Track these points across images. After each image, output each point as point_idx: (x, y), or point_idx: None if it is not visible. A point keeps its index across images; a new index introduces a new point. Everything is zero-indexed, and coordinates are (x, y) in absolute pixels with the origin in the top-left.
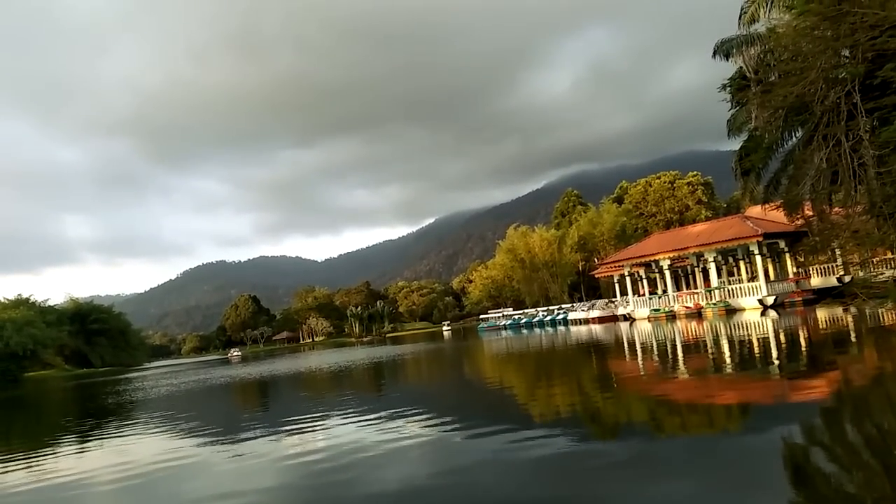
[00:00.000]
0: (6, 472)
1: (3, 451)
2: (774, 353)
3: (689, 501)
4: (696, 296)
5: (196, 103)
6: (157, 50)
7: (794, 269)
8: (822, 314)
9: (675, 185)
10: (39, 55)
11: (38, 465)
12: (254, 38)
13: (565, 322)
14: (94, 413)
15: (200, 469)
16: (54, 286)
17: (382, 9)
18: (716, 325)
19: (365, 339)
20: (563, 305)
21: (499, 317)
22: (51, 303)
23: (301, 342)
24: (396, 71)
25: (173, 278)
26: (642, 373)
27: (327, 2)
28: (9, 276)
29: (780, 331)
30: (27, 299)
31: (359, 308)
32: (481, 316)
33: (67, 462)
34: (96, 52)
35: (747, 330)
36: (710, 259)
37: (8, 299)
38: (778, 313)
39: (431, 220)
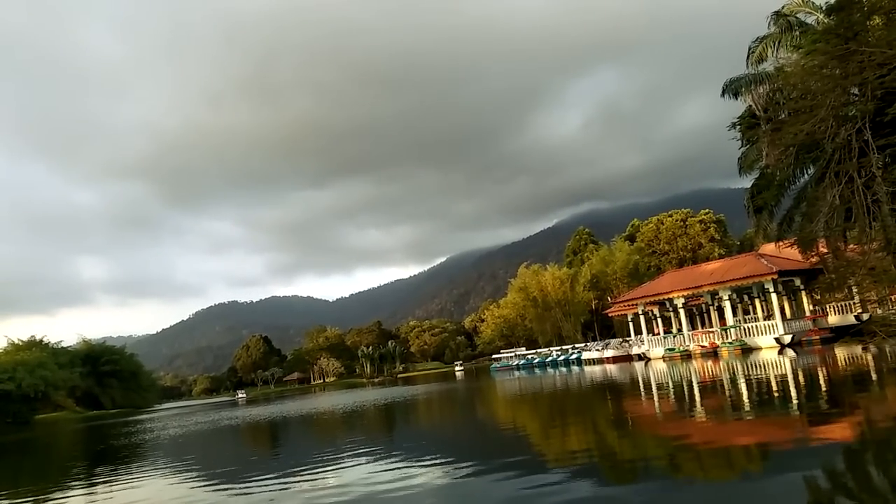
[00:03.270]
0: None
1: (12, 496)
2: (793, 393)
3: None
4: (711, 335)
5: (211, 146)
6: (174, 94)
7: (811, 307)
8: (840, 353)
9: (687, 222)
10: (58, 99)
11: None
12: (268, 83)
13: (579, 362)
14: (104, 456)
15: None
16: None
17: (394, 53)
18: (732, 365)
19: (376, 380)
20: (577, 345)
21: (511, 356)
22: (64, 344)
23: (312, 383)
24: (408, 113)
25: (185, 319)
26: (658, 414)
27: (340, 47)
28: (24, 318)
29: (799, 370)
30: (40, 341)
31: (370, 348)
32: (494, 356)
33: None
34: (114, 96)
35: (765, 369)
36: (725, 297)
37: (22, 341)
38: (795, 352)
39: (443, 260)
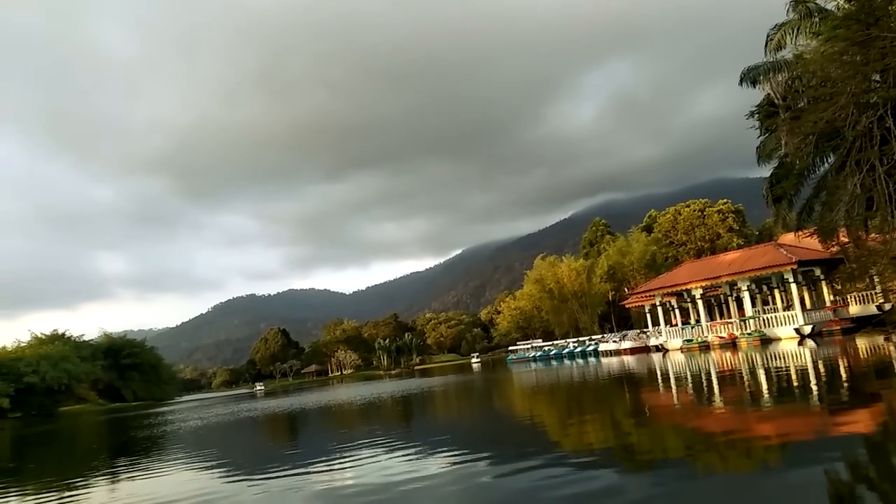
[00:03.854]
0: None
1: (37, 485)
2: (814, 384)
3: None
4: (730, 325)
5: (226, 142)
6: (188, 91)
7: (832, 297)
8: (862, 343)
9: (705, 213)
10: (75, 97)
11: (70, 500)
12: (280, 79)
13: (596, 353)
14: (126, 447)
15: (226, 501)
16: (89, 321)
17: (406, 46)
18: (751, 356)
19: (393, 372)
20: (594, 336)
21: (528, 348)
22: (85, 338)
23: (330, 375)
24: (422, 105)
25: (204, 312)
26: (677, 405)
27: (352, 40)
28: (46, 312)
29: (819, 361)
30: (63, 335)
31: (387, 340)
32: (510, 347)
33: (100, 496)
34: (130, 93)
35: (785, 360)
36: (744, 288)
37: (45, 335)
38: (816, 343)
39: (458, 252)
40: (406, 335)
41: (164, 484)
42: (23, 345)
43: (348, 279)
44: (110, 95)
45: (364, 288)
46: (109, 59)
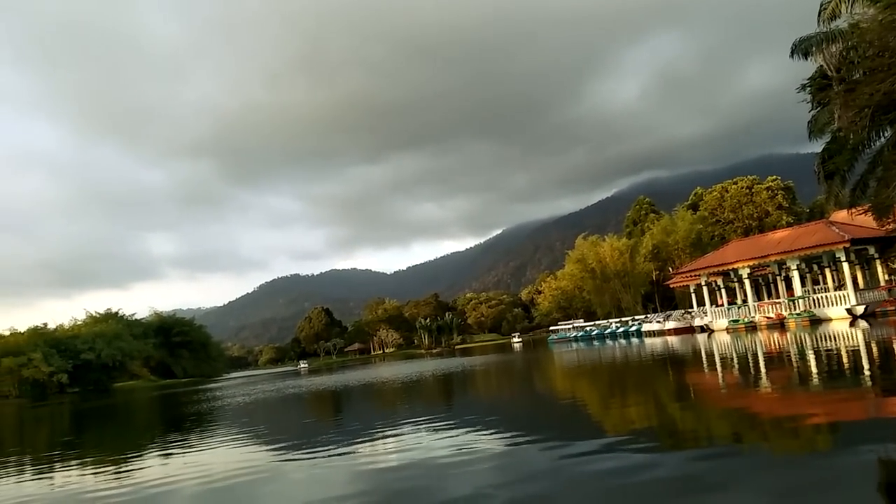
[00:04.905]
0: (98, 476)
1: (96, 458)
2: (866, 366)
3: None
4: (778, 305)
5: (270, 124)
6: (233, 75)
7: (886, 277)
8: None
9: (753, 190)
10: (124, 82)
11: (126, 471)
12: (323, 61)
13: (639, 334)
14: (178, 421)
15: (275, 477)
16: (141, 300)
17: (447, 25)
18: (800, 337)
19: (434, 351)
20: (637, 317)
21: (569, 328)
22: (137, 316)
23: (372, 353)
24: (462, 85)
25: (250, 292)
26: (722, 386)
27: (392, 21)
28: (100, 292)
29: (872, 342)
30: (116, 313)
31: (428, 320)
32: (551, 328)
33: (153, 468)
34: (177, 78)
35: (835, 341)
36: (793, 267)
37: (99, 313)
38: (868, 323)
39: (499, 232)
40: (447, 315)
41: (214, 459)
42: (79, 323)
43: (389, 259)
44: (158, 80)
45: (405, 268)
46: (157, 45)
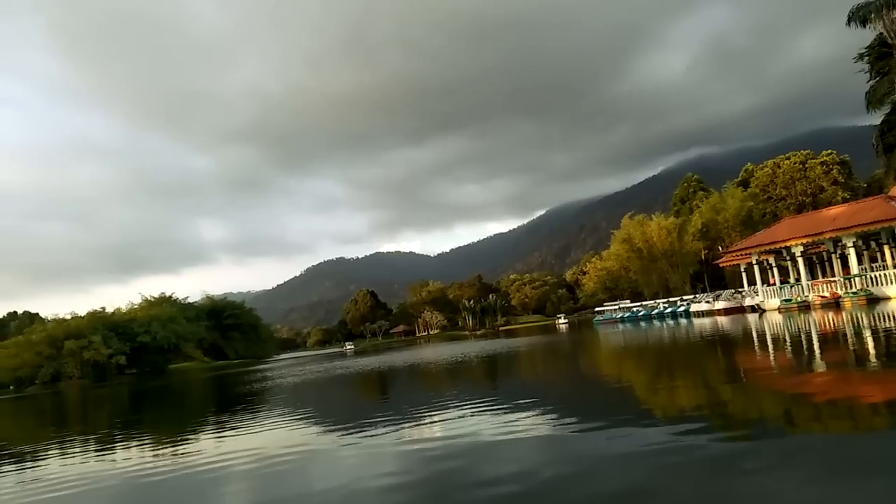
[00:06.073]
0: (156, 455)
1: (153, 437)
2: None
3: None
4: (833, 284)
5: (313, 109)
6: (278, 60)
7: None
8: None
9: (806, 165)
10: (171, 71)
11: (182, 450)
12: (365, 44)
13: (687, 314)
14: (230, 402)
15: (324, 457)
16: (193, 284)
17: (488, 2)
18: (857, 316)
19: (478, 333)
20: (685, 297)
21: (615, 309)
22: (190, 300)
23: (417, 335)
24: (502, 64)
25: (297, 275)
26: (774, 367)
27: (433, 1)
28: (154, 277)
29: None
30: (169, 297)
31: (471, 301)
32: (597, 308)
33: (207, 447)
34: (223, 64)
35: (894, 321)
36: (850, 244)
37: (153, 297)
38: None
39: (542, 212)
40: (490, 296)
41: (265, 439)
42: (135, 307)
43: (432, 242)
44: (204, 66)
45: (448, 250)
46: (204, 32)
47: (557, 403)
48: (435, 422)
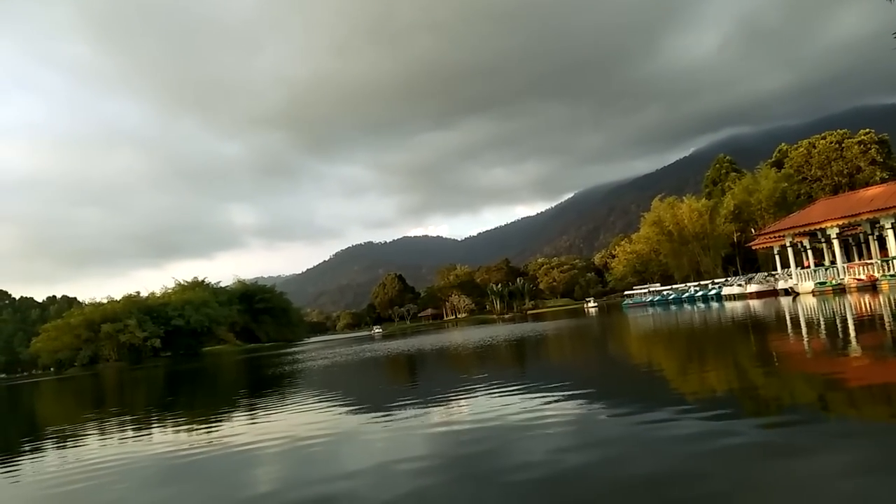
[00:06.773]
0: (192, 436)
1: (188, 418)
2: None
3: (876, 490)
4: (869, 267)
5: (341, 94)
6: (304, 46)
7: None
8: None
9: (843, 145)
10: (201, 58)
11: (216, 431)
12: (390, 28)
13: (719, 298)
14: (262, 384)
15: (353, 438)
16: (225, 269)
17: None
18: (894, 299)
19: (506, 316)
20: (717, 280)
21: (645, 293)
22: (222, 284)
23: (444, 319)
24: (530, 44)
25: (327, 259)
26: (808, 351)
27: None
28: (187, 261)
29: None
30: (202, 281)
31: (499, 285)
32: (626, 292)
33: (240, 428)
34: (251, 51)
35: None
36: (888, 226)
37: (186, 282)
38: None
39: (570, 195)
40: (518, 280)
41: (297, 420)
42: (169, 291)
43: (460, 225)
44: (233, 53)
45: (475, 234)
46: (232, 18)
47: (586, 388)
48: (463, 405)
